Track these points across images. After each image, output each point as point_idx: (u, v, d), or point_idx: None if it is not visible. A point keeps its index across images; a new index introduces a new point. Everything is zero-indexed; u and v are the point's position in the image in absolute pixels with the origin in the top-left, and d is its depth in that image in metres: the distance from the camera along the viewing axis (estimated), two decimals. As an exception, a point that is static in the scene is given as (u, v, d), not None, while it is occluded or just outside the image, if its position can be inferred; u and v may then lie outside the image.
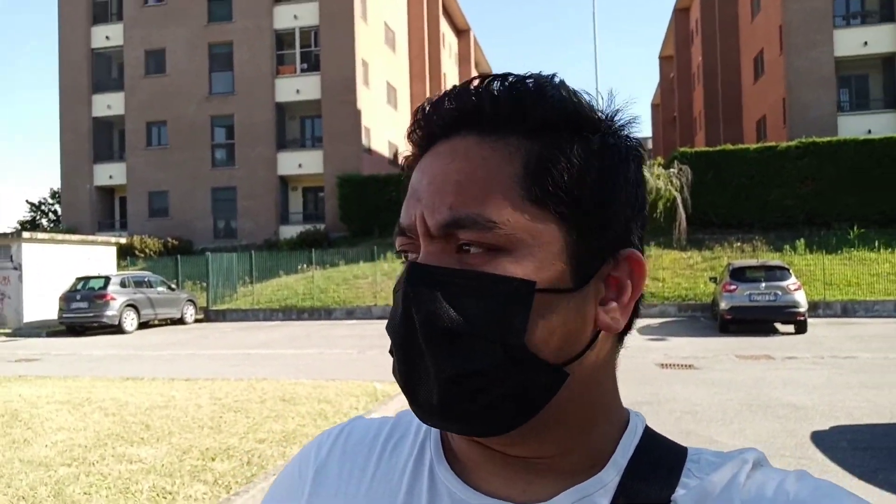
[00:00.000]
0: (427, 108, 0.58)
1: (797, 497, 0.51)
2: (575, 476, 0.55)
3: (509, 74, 0.56)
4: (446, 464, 0.59)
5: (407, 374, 0.53)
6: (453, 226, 0.52)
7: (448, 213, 0.52)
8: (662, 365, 10.13)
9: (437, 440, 0.62)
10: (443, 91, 0.59)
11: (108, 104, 32.79)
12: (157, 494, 4.52)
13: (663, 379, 8.97)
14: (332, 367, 10.79)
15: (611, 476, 0.55)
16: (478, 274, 0.51)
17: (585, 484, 0.55)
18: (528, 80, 0.55)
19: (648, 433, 0.60)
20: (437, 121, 0.57)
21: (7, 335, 18.32)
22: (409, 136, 0.60)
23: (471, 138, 0.55)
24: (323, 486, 0.64)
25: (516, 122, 0.54)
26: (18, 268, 19.55)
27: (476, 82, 0.56)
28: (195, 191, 31.10)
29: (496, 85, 0.55)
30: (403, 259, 0.58)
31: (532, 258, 0.52)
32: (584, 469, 0.56)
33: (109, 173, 32.79)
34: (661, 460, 0.57)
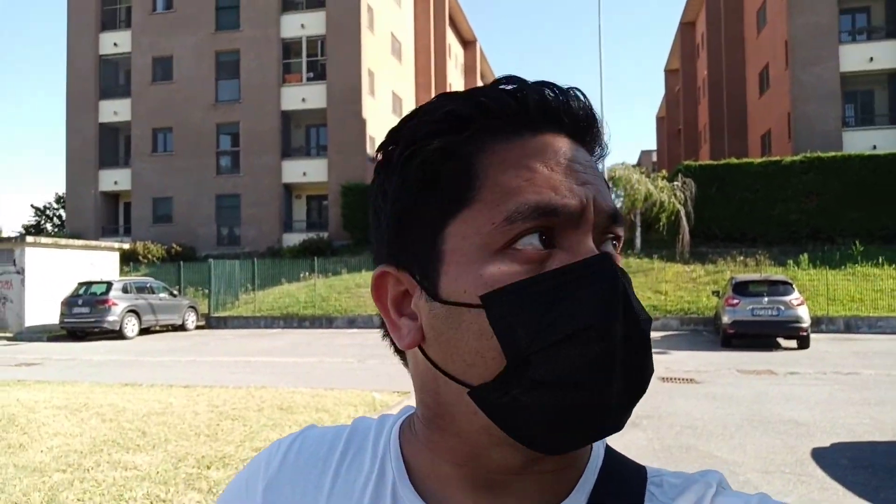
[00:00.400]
0: (550, 94, 0.54)
1: None
2: (550, 497, 0.54)
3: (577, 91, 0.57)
4: (410, 486, 0.57)
5: (613, 375, 0.47)
6: (615, 217, 0.54)
7: (613, 204, 0.54)
8: (664, 379, 10.07)
9: (397, 457, 0.59)
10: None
11: (115, 110, 32.96)
12: (151, 502, 4.49)
13: (665, 393, 8.91)
14: (331, 376, 10.76)
15: (580, 498, 0.54)
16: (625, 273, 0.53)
17: None
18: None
19: (609, 452, 0.59)
20: (563, 114, 0.54)
21: (8, 339, 18.34)
22: (503, 104, 0.53)
23: (574, 140, 0.55)
24: (274, 502, 0.61)
25: (602, 141, 0.59)
26: (21, 272, 19.60)
27: (576, 93, 0.56)
28: (199, 198, 31.19)
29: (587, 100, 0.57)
30: (530, 247, 0.50)
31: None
32: (563, 488, 0.54)
33: (115, 179, 32.92)
34: (623, 483, 0.56)
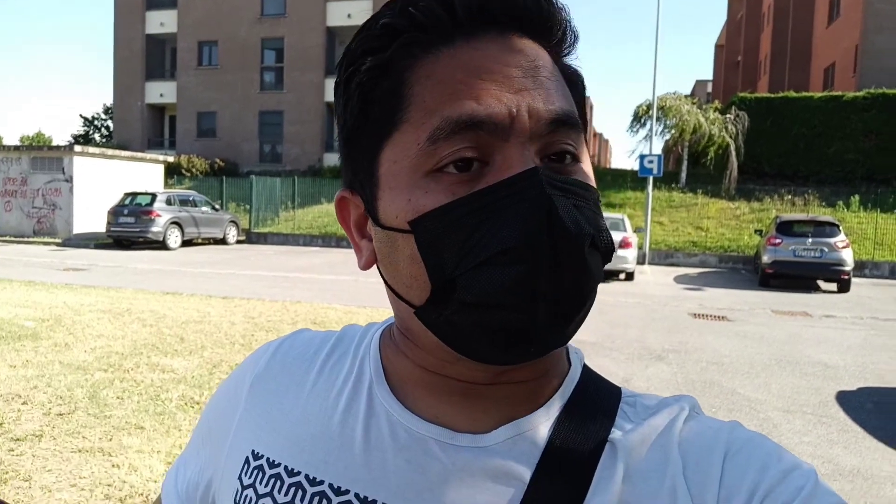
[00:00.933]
0: None
1: (733, 445, 0.52)
2: (523, 408, 0.54)
3: None
4: (386, 385, 0.58)
5: (537, 295, 0.46)
6: (562, 123, 0.50)
7: (560, 107, 0.50)
8: (695, 315, 10.01)
9: (376, 361, 0.60)
10: None
11: (162, 21, 32.88)
12: (186, 403, 4.73)
13: (694, 328, 8.88)
14: (365, 294, 10.98)
15: (550, 412, 0.55)
16: (589, 186, 0.51)
17: (526, 419, 0.54)
18: None
19: (586, 371, 0.60)
20: (501, 10, 0.50)
21: (57, 245, 19.09)
22: (431, 13, 0.49)
23: (526, 39, 0.51)
24: (259, 397, 0.62)
25: (564, 36, 0.54)
26: (70, 180, 20.17)
27: None
28: (243, 113, 31.31)
29: None
30: (454, 169, 0.48)
31: (588, 170, 0.53)
32: (535, 400, 0.55)
33: (160, 91, 33.19)
34: (597, 400, 0.57)
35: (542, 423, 0.54)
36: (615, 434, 0.53)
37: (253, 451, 0.59)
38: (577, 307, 0.49)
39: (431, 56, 0.49)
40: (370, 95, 0.51)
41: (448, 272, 0.48)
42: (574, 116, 0.51)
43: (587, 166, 0.53)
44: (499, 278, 0.46)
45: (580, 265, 0.47)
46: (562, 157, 0.50)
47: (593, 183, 0.53)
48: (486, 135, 0.47)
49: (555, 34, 0.53)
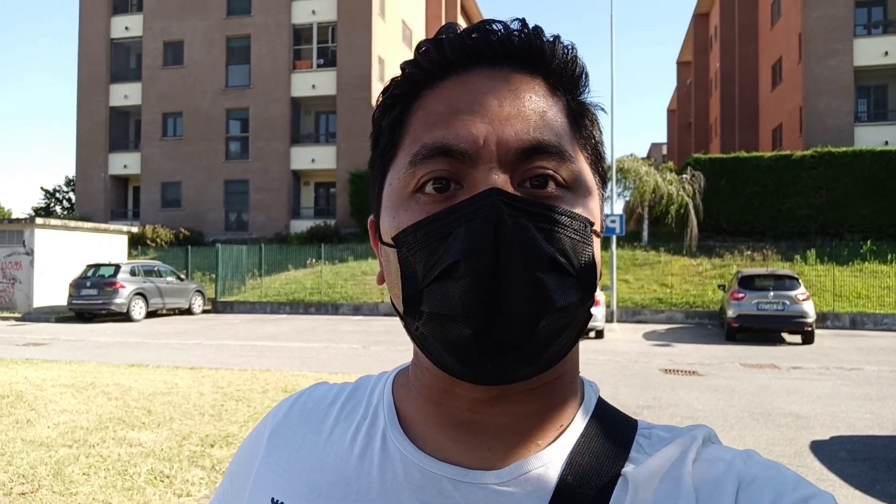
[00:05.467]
0: (474, 32, 0.55)
1: (747, 475, 0.51)
2: (533, 443, 0.55)
3: (536, 26, 0.57)
4: (400, 428, 0.59)
5: (486, 309, 0.48)
6: (535, 151, 0.52)
7: (533, 137, 0.52)
8: (666, 370, 10.09)
9: (390, 405, 0.62)
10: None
11: (126, 94, 33.04)
12: (155, 478, 4.57)
13: (667, 384, 8.94)
14: (336, 361, 10.83)
15: (563, 447, 0.55)
16: (565, 210, 0.52)
17: (538, 455, 0.55)
18: (559, 36, 0.58)
19: (602, 404, 0.61)
20: (487, 47, 0.55)
21: (17, 319, 18.52)
22: (431, 53, 0.56)
23: (522, 73, 0.55)
24: (277, 447, 0.64)
25: (563, 71, 0.57)
26: (30, 253, 19.76)
27: (517, 24, 0.56)
28: (208, 182, 31.28)
29: (535, 31, 0.56)
30: (432, 189, 0.53)
31: (586, 199, 0.55)
32: (544, 435, 0.56)
33: (124, 163, 33.05)
34: (612, 433, 0.57)
35: (555, 459, 0.55)
36: (628, 468, 0.54)
37: (273, 499, 0.60)
38: (528, 326, 0.49)
39: (427, 91, 0.56)
40: (382, 129, 0.59)
41: (418, 284, 0.52)
42: (552, 146, 0.53)
43: (583, 195, 0.55)
44: (449, 291, 0.49)
45: (528, 284, 0.48)
46: (544, 183, 0.53)
47: (586, 212, 0.54)
48: (457, 160, 0.52)
49: (551, 68, 0.56)
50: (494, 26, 0.55)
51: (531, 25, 0.56)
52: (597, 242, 0.56)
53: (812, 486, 0.51)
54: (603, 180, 0.60)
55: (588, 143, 0.58)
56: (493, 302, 0.48)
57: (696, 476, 0.52)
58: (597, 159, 0.59)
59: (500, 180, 0.51)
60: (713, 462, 0.53)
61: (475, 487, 0.54)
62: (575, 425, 0.57)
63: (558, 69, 0.57)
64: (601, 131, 0.61)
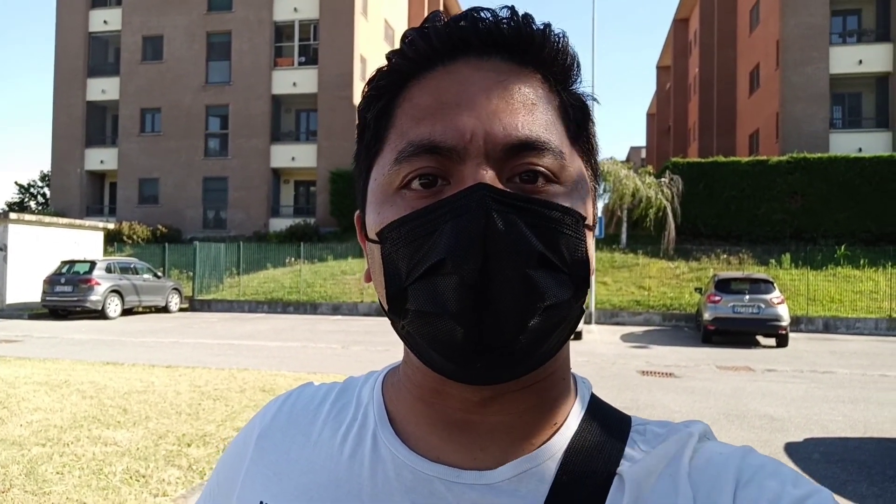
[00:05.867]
0: (461, 20, 0.53)
1: (745, 472, 0.51)
2: (527, 441, 0.55)
3: (526, 13, 0.55)
4: (390, 429, 0.58)
5: (474, 307, 0.47)
6: (525, 148, 0.50)
7: (522, 133, 0.50)
8: (644, 372, 10.17)
9: (380, 405, 0.61)
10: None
11: (103, 89, 32.60)
12: (131, 477, 4.51)
13: (644, 386, 9.01)
14: (315, 361, 10.77)
15: (558, 446, 0.55)
16: (556, 205, 0.51)
17: (533, 454, 0.54)
18: (550, 24, 0.56)
19: (595, 400, 0.60)
20: (474, 35, 0.53)
21: (-11, 316, 18.18)
22: (416, 42, 0.54)
23: (510, 63, 0.53)
24: (265, 449, 0.63)
25: (554, 60, 0.55)
26: (3, 248, 19.39)
27: (506, 12, 0.54)
28: (187, 179, 30.97)
29: (524, 18, 0.54)
30: (419, 185, 0.51)
31: (578, 193, 0.54)
32: (538, 433, 0.55)
33: (101, 158, 32.60)
34: (607, 430, 0.56)
35: (550, 458, 0.54)
36: (624, 466, 0.53)
37: (261, 502, 0.60)
38: (519, 324, 0.48)
39: (413, 82, 0.54)
40: (366, 121, 0.57)
41: (403, 282, 0.51)
42: (542, 141, 0.51)
43: (575, 190, 0.53)
44: (436, 288, 0.48)
45: (518, 281, 0.47)
46: (534, 179, 0.51)
47: (578, 206, 0.53)
48: (443, 157, 0.51)
49: (542, 58, 0.55)
50: (483, 14, 0.53)
51: (521, 13, 0.54)
52: (590, 237, 0.54)
53: (811, 483, 0.51)
54: (596, 174, 0.59)
55: (580, 135, 0.57)
56: (482, 300, 0.47)
57: (693, 473, 0.52)
58: (589, 152, 0.58)
59: (488, 176, 0.49)
60: (710, 459, 0.53)
61: (468, 488, 0.53)
62: (569, 423, 0.57)
63: (549, 59, 0.55)
64: (594, 123, 0.60)
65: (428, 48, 0.53)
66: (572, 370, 0.61)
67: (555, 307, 0.49)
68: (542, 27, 0.54)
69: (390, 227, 0.52)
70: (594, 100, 0.60)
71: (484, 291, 0.47)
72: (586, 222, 0.53)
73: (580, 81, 0.58)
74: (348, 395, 0.65)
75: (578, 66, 0.57)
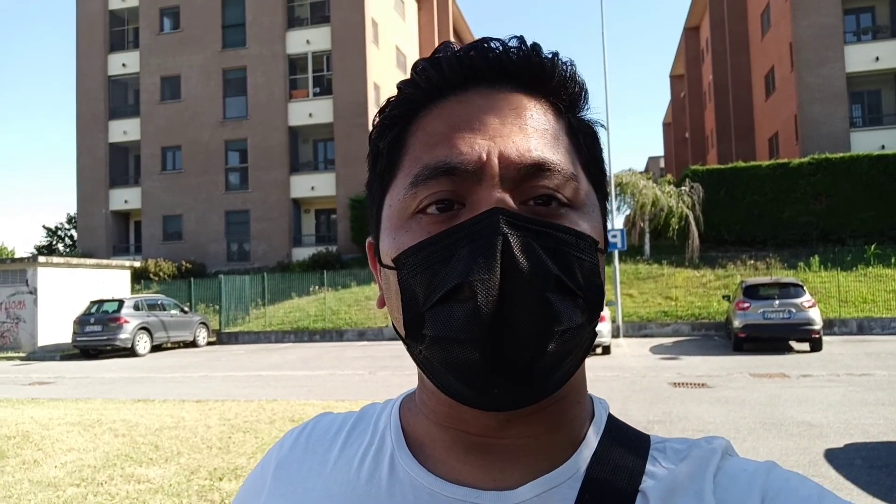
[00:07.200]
0: (472, 51, 0.55)
1: (770, 488, 0.50)
2: (547, 462, 0.54)
3: (535, 43, 0.56)
4: (408, 452, 0.58)
5: (492, 331, 0.47)
6: (539, 170, 0.51)
7: (536, 156, 0.51)
8: (675, 384, 10.01)
9: (397, 429, 0.61)
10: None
11: (125, 130, 33.29)
12: (164, 514, 4.52)
13: (676, 398, 8.87)
14: (343, 388, 10.77)
15: (578, 465, 0.54)
16: (570, 229, 0.51)
17: (553, 474, 0.54)
18: (558, 53, 0.57)
19: (612, 420, 0.60)
20: (485, 65, 0.54)
21: (21, 359, 18.47)
22: (429, 72, 0.55)
23: (520, 91, 0.55)
24: (283, 479, 0.63)
25: (562, 88, 0.56)
26: (34, 292, 19.77)
27: (515, 42, 0.55)
28: (209, 214, 31.39)
29: (533, 48, 0.56)
30: (435, 210, 0.52)
31: (590, 217, 0.54)
32: (557, 454, 0.55)
33: (125, 198, 33.20)
34: (626, 449, 0.56)
35: (571, 478, 0.53)
36: (647, 483, 0.53)
37: None
38: (536, 349, 0.48)
39: (425, 111, 0.55)
40: (379, 150, 0.58)
41: (419, 308, 0.50)
42: (555, 164, 0.52)
43: (587, 213, 0.54)
44: (453, 314, 0.48)
45: (535, 305, 0.47)
46: (548, 202, 0.52)
47: (591, 230, 0.53)
48: (459, 179, 0.51)
49: (551, 87, 0.56)
50: (492, 44, 0.55)
51: (529, 43, 0.56)
52: (601, 261, 0.55)
53: (836, 499, 0.50)
54: (604, 197, 0.60)
55: (589, 160, 0.58)
56: (500, 324, 0.46)
57: (718, 490, 0.51)
58: (598, 176, 0.59)
59: (504, 198, 0.50)
60: (735, 476, 0.52)
61: None
62: (588, 443, 0.56)
63: (558, 87, 0.56)
64: (601, 148, 0.61)
65: (439, 78, 0.55)
66: (595, 387, 0.60)
67: (570, 331, 0.49)
68: (550, 56, 0.56)
69: (407, 252, 0.52)
70: (601, 126, 0.61)
71: (501, 315, 0.46)
72: (599, 246, 0.54)
73: (588, 108, 0.59)
74: (365, 422, 0.65)
75: (586, 92, 0.59)
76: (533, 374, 0.48)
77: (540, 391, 0.50)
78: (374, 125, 0.59)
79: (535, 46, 0.55)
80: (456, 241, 0.49)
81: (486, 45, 0.55)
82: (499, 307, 0.46)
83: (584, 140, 0.57)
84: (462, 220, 0.50)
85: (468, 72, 0.54)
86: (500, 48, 0.55)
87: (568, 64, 0.57)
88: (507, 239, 0.47)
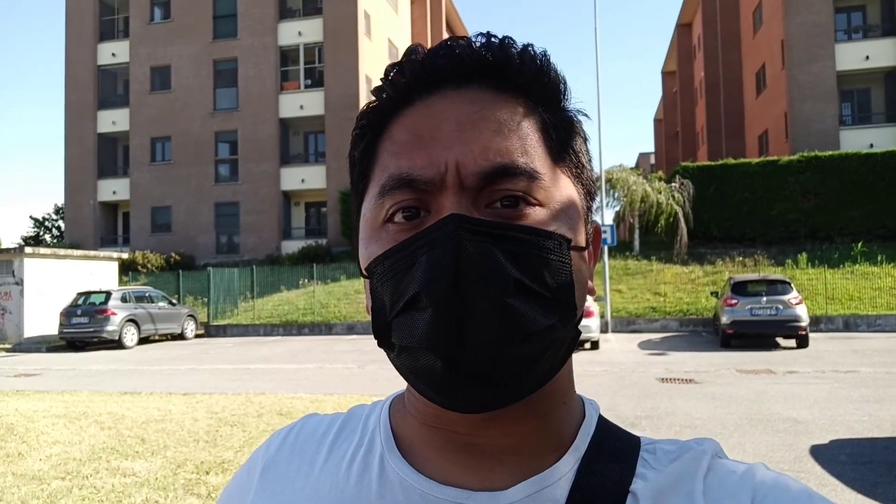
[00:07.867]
0: (437, 53, 0.54)
1: (759, 490, 0.51)
2: (535, 462, 0.54)
3: (505, 37, 0.55)
4: (398, 453, 0.58)
5: (451, 339, 0.47)
6: (499, 174, 0.50)
7: (495, 161, 0.50)
8: (663, 379, 10.06)
9: (387, 430, 0.60)
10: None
11: (114, 120, 33.01)
12: (149, 508, 4.50)
13: (664, 393, 8.91)
14: (331, 382, 10.75)
15: (568, 466, 0.54)
16: (534, 230, 0.50)
17: (544, 474, 0.53)
18: (531, 45, 0.56)
19: (602, 421, 0.60)
20: (449, 67, 0.53)
21: (7, 350, 18.34)
22: (394, 78, 0.55)
23: (488, 90, 0.53)
24: (270, 481, 0.62)
25: (534, 82, 0.55)
26: (20, 283, 19.60)
27: (482, 39, 0.54)
28: (198, 206, 31.21)
29: (501, 44, 0.54)
30: (402, 218, 0.52)
31: (564, 214, 0.53)
32: (545, 454, 0.55)
33: (113, 189, 32.95)
34: (616, 451, 0.56)
35: (562, 478, 0.53)
36: (637, 484, 0.53)
37: None
38: (498, 353, 0.47)
39: (394, 119, 0.55)
40: (354, 160, 0.58)
41: (387, 316, 0.51)
42: (517, 166, 0.51)
43: (560, 210, 0.53)
44: (415, 323, 0.48)
45: (492, 310, 0.47)
46: (514, 204, 0.51)
47: (563, 228, 0.52)
48: (422, 189, 0.51)
49: (521, 83, 0.54)
50: (458, 43, 0.54)
51: (499, 37, 0.54)
52: (577, 258, 0.53)
53: (825, 501, 0.50)
54: (588, 192, 0.58)
55: (567, 154, 0.56)
56: (457, 331, 0.47)
57: (708, 492, 0.51)
58: (579, 170, 0.57)
59: (462, 205, 0.50)
60: (724, 477, 0.53)
61: None
62: (578, 444, 0.56)
63: (528, 81, 0.55)
64: (585, 139, 0.59)
65: (404, 84, 0.54)
66: (583, 383, 0.60)
67: (537, 333, 0.49)
68: (519, 50, 0.54)
69: (375, 261, 0.53)
70: (584, 115, 0.59)
71: (460, 323, 0.47)
72: (573, 244, 0.53)
73: (567, 99, 0.57)
74: (353, 423, 0.65)
75: (564, 84, 0.57)
76: (496, 379, 0.48)
77: (511, 394, 0.50)
78: (351, 134, 0.59)
79: (504, 41, 0.54)
80: (416, 249, 0.49)
81: (450, 44, 0.54)
82: (457, 314, 0.46)
83: (557, 135, 0.55)
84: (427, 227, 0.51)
85: (432, 75, 0.53)
86: (466, 47, 0.53)
87: (540, 56, 0.55)
88: (462, 245, 0.47)
